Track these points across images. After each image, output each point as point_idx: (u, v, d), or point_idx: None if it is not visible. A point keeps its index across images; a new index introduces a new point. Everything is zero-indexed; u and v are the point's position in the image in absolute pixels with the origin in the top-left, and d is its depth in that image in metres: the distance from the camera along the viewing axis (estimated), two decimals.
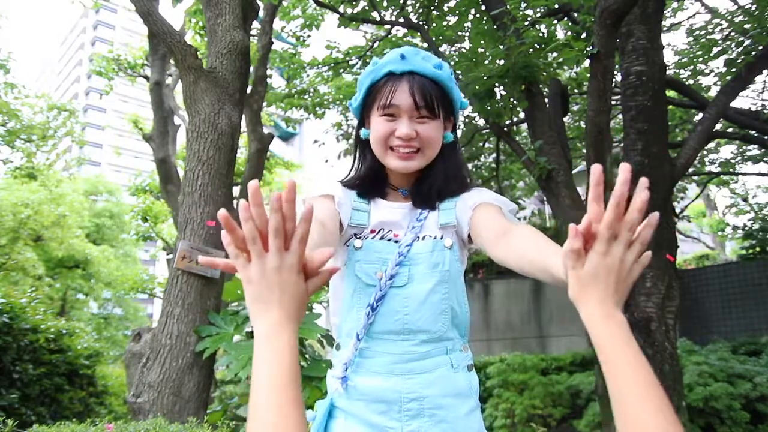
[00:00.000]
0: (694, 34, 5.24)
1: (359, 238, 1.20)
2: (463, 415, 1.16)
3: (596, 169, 0.66)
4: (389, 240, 1.20)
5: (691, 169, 7.56)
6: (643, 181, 0.67)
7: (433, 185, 1.21)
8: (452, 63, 4.90)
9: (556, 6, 4.92)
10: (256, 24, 7.13)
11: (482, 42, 4.52)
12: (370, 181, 1.25)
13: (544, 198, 6.32)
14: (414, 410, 1.13)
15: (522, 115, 4.82)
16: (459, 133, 7.59)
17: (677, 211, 8.62)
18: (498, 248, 1.03)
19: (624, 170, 0.65)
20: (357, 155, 1.29)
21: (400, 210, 1.23)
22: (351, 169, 1.30)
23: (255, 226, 0.66)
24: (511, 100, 4.26)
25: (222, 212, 0.66)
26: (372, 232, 1.21)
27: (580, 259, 0.70)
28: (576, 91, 6.74)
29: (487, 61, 4.08)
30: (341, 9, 6.20)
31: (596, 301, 0.69)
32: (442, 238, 1.19)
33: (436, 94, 1.15)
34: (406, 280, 1.16)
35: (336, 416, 1.18)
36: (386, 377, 1.14)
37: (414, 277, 1.16)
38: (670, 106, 5.63)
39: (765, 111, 5.84)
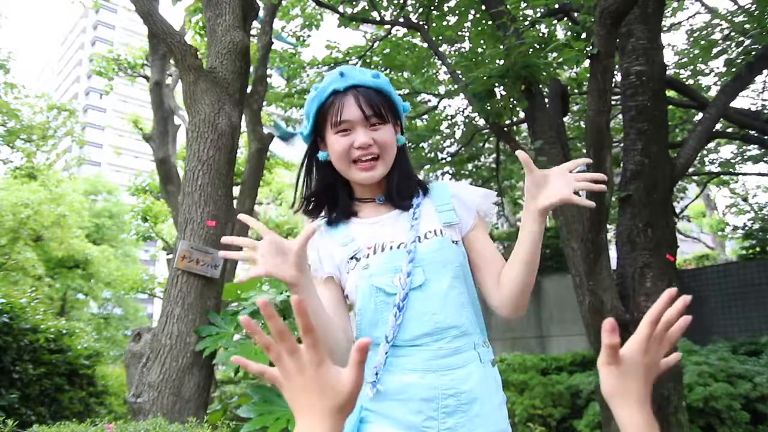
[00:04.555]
0: (694, 35, 5.24)
1: (360, 259, 1.22)
2: (495, 407, 1.18)
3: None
4: (391, 248, 1.22)
5: (691, 169, 7.55)
6: (686, 299, 0.70)
7: (398, 186, 1.28)
8: (452, 63, 4.90)
9: (556, 6, 4.92)
10: (256, 24, 7.13)
11: (482, 42, 4.52)
12: (331, 201, 1.30)
13: None
14: (451, 407, 1.13)
15: (522, 115, 4.82)
16: (459, 133, 7.63)
17: (677, 211, 8.62)
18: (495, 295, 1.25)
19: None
20: (307, 179, 1.32)
21: (386, 220, 1.27)
22: (297, 194, 1.33)
23: (261, 337, 0.68)
24: (511, 100, 4.25)
25: (245, 319, 0.68)
26: (368, 249, 1.23)
27: (615, 356, 0.69)
28: (576, 91, 6.73)
29: (487, 61, 4.08)
30: (341, 9, 6.20)
31: (637, 403, 0.69)
32: (444, 234, 1.23)
33: (381, 101, 1.23)
34: (423, 280, 1.18)
35: (369, 420, 1.17)
36: (423, 374, 1.15)
37: (430, 276, 1.18)
38: (670, 106, 5.63)
39: (765, 111, 5.84)
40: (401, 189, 1.28)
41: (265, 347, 0.66)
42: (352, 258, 1.23)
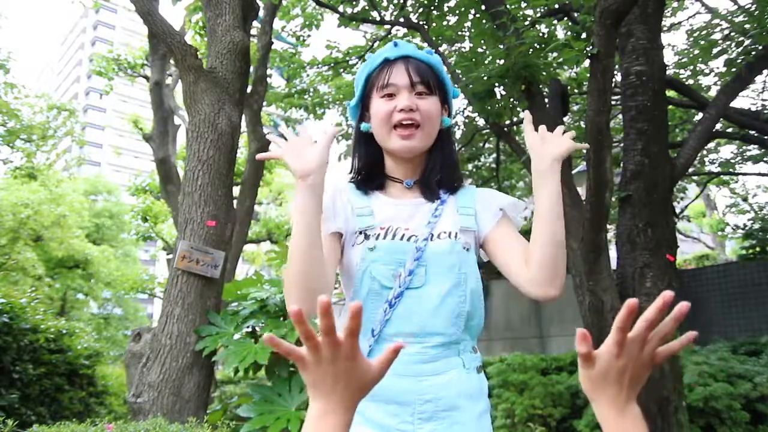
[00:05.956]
0: (694, 35, 5.24)
1: (369, 237, 1.18)
2: (476, 416, 1.14)
3: (631, 303, 0.64)
4: (402, 237, 1.18)
5: (691, 169, 7.55)
6: (679, 307, 0.65)
7: (434, 172, 1.26)
8: (452, 63, 4.90)
9: (556, 6, 4.92)
10: (256, 24, 7.13)
11: (482, 42, 4.52)
12: (369, 172, 1.28)
13: None
14: (428, 412, 1.11)
15: (522, 115, 4.82)
16: (459, 133, 7.64)
17: (677, 211, 8.62)
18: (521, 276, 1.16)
19: (662, 297, 0.64)
20: (355, 151, 1.32)
21: (408, 205, 1.24)
22: (351, 167, 1.33)
23: (306, 330, 0.68)
24: (511, 100, 4.25)
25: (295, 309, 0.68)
26: (381, 229, 1.19)
27: (589, 360, 0.69)
28: (576, 91, 6.73)
29: (487, 61, 4.08)
30: (341, 9, 6.20)
31: (607, 401, 0.69)
32: (457, 237, 1.19)
33: (431, 74, 1.23)
34: (423, 282, 1.14)
35: None
36: (399, 378, 1.11)
37: (430, 279, 1.15)
38: (670, 106, 5.63)
39: (765, 111, 5.84)
40: (437, 174, 1.25)
41: (306, 337, 0.68)
42: (362, 232, 1.19)
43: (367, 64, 1.27)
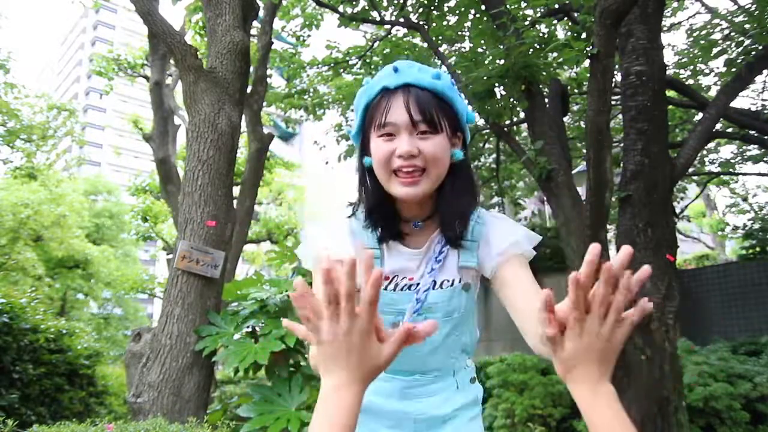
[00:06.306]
0: (694, 35, 5.24)
1: None
2: (467, 421, 1.22)
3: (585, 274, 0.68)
4: (404, 287, 1.13)
5: (691, 169, 7.55)
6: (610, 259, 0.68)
7: (444, 212, 1.12)
8: (452, 63, 4.90)
9: (556, 6, 4.92)
10: (256, 24, 7.13)
11: (482, 42, 4.52)
12: (380, 216, 1.13)
13: (544, 198, 6.31)
14: (425, 424, 1.19)
15: (522, 115, 4.82)
16: None
17: (677, 211, 8.61)
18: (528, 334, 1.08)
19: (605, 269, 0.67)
20: (361, 186, 1.17)
21: (418, 254, 1.15)
22: (354, 203, 1.20)
23: (332, 290, 0.67)
24: (511, 100, 4.25)
25: (299, 281, 0.69)
26: (386, 279, 1.13)
27: (559, 343, 0.72)
28: (576, 91, 6.73)
29: (487, 61, 4.08)
30: (341, 9, 6.20)
31: (581, 381, 0.72)
32: (460, 281, 1.14)
33: (436, 106, 1.06)
34: None
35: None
36: (398, 400, 1.20)
37: None
38: (670, 106, 5.63)
39: (765, 111, 5.84)
40: (451, 217, 1.11)
41: (330, 300, 0.68)
42: None
43: (365, 91, 1.11)
